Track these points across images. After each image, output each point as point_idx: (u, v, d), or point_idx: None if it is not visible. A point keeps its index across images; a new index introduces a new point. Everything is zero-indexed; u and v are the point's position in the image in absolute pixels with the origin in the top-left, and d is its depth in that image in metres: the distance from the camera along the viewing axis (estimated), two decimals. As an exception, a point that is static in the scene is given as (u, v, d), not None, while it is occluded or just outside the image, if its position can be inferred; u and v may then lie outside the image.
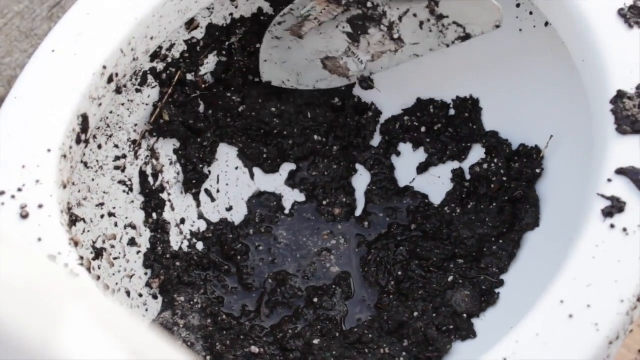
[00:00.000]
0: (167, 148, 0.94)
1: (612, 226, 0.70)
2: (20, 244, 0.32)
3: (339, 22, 0.85)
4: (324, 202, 0.99)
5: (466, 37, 0.87)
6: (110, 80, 0.80)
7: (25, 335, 0.26)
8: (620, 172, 0.72)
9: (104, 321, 0.28)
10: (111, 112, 0.86)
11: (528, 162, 0.92)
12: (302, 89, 0.94)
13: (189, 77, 0.93)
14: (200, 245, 0.95)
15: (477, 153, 0.97)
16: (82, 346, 0.26)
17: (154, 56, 0.88)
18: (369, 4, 0.83)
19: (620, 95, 0.75)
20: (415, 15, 0.85)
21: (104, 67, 0.79)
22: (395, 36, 0.86)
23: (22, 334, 0.26)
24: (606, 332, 0.66)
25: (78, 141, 0.78)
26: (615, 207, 0.70)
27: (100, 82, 0.79)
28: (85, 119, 0.78)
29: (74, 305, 0.28)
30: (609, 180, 0.72)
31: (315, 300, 0.93)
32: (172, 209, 0.94)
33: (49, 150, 0.74)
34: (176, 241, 0.94)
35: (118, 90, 0.83)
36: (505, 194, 0.92)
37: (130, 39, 0.81)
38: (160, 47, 0.88)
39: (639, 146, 0.73)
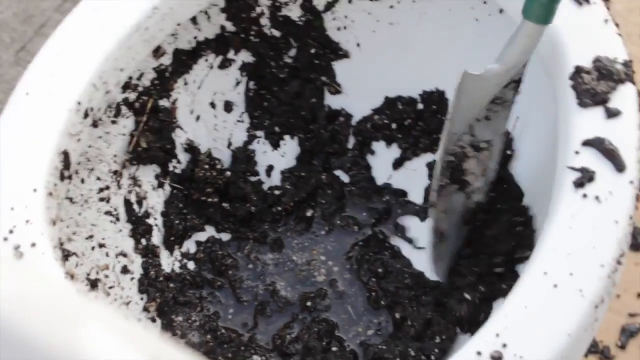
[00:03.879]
0: (148, 174, 0.96)
1: (585, 195, 0.72)
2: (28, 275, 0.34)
3: (451, 194, 0.89)
4: (321, 233, 1.02)
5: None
6: (86, 115, 0.82)
7: (52, 347, 0.29)
8: (587, 143, 0.75)
9: (122, 331, 0.30)
10: (90, 146, 0.88)
11: (498, 145, 0.95)
12: None
13: (162, 102, 0.95)
14: (191, 265, 0.97)
15: (449, 142, 1.00)
16: (104, 351, 0.28)
17: (125, 87, 0.90)
18: (452, 158, 0.86)
19: (578, 71, 0.78)
20: (478, 120, 0.87)
21: (79, 103, 0.81)
22: (483, 145, 0.88)
23: (49, 347, 0.29)
24: (590, 296, 0.69)
25: (62, 178, 0.80)
26: (585, 177, 0.73)
27: (76, 118, 0.81)
28: (66, 156, 0.80)
29: (92, 319, 0.30)
30: (577, 153, 0.74)
31: (309, 304, 0.95)
32: (160, 232, 0.96)
33: (35, 190, 0.76)
34: (167, 263, 0.96)
35: (94, 124, 0.85)
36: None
37: (101, 73, 0.83)
38: (131, 77, 0.90)
39: (601, 117, 0.76)
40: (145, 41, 0.87)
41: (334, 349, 0.91)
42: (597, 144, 0.74)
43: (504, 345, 0.67)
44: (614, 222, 0.71)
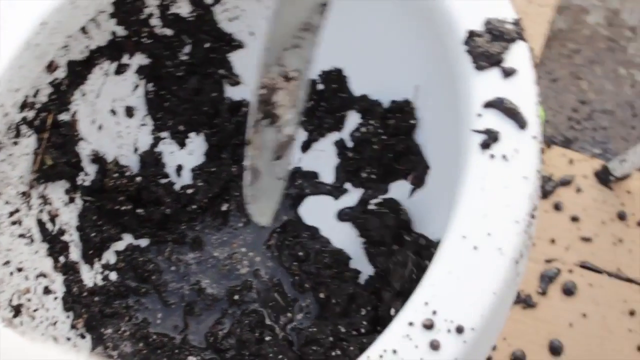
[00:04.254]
0: (57, 191, 0.94)
1: (492, 156, 0.74)
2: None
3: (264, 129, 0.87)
4: (239, 225, 1.02)
5: None
6: None
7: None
8: (488, 105, 0.76)
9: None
10: None
11: (402, 115, 0.96)
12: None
13: (62, 117, 0.93)
14: (113, 276, 0.97)
15: (353, 119, 1.01)
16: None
17: (23, 106, 0.88)
18: (264, 91, 0.82)
19: (472, 35, 0.80)
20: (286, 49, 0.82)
21: None
22: (293, 75, 0.82)
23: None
24: (510, 253, 0.71)
25: None
26: (490, 138, 0.75)
27: (-23, 147, 0.79)
28: (-27, 187, 0.79)
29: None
30: (479, 115, 0.76)
31: (236, 297, 0.96)
32: (77, 247, 0.95)
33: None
34: (89, 277, 0.95)
35: None
36: (389, 151, 0.96)
37: (-5, 97, 0.81)
38: (27, 96, 0.88)
39: (498, 77, 0.78)
40: (37, 58, 0.85)
41: (267, 338, 0.92)
42: (498, 104, 0.76)
43: (434, 313, 0.69)
44: (524, 179, 0.73)
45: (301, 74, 0.83)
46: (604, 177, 1.36)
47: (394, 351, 0.67)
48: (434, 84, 0.93)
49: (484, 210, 0.72)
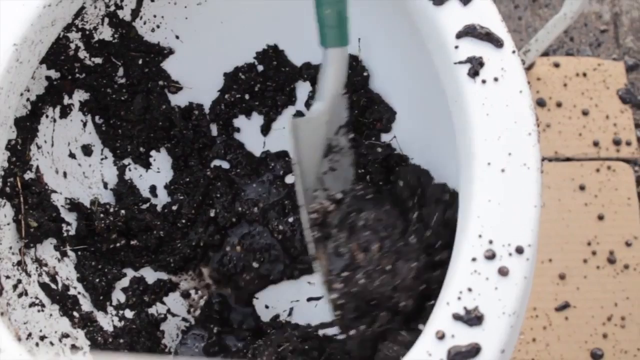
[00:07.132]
0: (48, 250, 0.91)
1: (484, 81, 0.76)
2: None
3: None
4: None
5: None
6: None
7: None
8: (460, 35, 0.78)
9: None
10: None
11: (352, 71, 0.97)
12: None
13: (27, 176, 0.90)
14: (129, 313, 0.95)
15: (303, 89, 1.01)
16: None
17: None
18: (315, 215, 0.87)
19: None
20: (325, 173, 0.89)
21: None
22: (339, 197, 0.89)
23: None
24: (534, 165, 0.74)
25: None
26: (475, 65, 0.77)
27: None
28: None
29: None
30: (456, 47, 0.78)
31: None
32: (86, 298, 0.93)
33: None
34: (107, 323, 0.93)
35: None
36: (354, 108, 0.97)
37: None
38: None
39: (459, 6, 0.79)
40: (2, 125, 0.82)
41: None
42: (472, 31, 0.78)
43: (491, 242, 0.71)
44: (520, 93, 0.76)
45: (348, 194, 0.88)
46: (514, 72, 1.41)
47: (469, 289, 0.70)
48: (376, 32, 0.95)
49: (497, 133, 0.75)
